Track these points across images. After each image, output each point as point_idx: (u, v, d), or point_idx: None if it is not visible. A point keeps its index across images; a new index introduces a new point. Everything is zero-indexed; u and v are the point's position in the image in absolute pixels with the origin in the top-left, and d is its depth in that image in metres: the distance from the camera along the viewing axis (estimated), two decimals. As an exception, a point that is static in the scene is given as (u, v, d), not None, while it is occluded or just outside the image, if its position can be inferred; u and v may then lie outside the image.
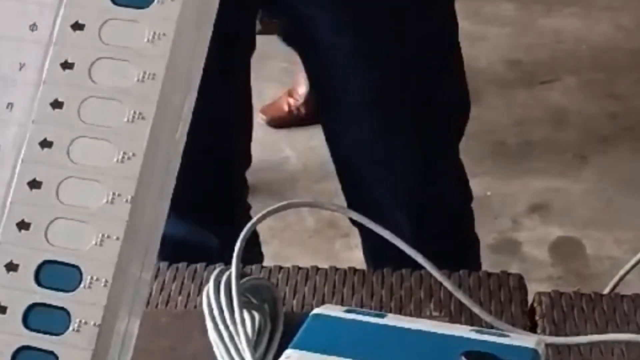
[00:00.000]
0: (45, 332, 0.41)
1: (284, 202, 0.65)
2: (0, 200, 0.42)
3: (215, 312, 0.59)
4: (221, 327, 0.58)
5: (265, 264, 0.76)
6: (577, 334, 0.66)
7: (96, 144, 0.42)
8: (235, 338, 0.58)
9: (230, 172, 1.10)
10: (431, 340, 0.57)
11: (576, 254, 1.55)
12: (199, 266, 0.72)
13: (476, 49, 1.98)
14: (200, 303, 0.62)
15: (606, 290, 0.71)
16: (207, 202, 1.08)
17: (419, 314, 0.68)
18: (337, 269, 0.73)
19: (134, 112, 0.42)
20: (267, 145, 1.85)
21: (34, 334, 0.41)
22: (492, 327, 0.64)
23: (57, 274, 0.41)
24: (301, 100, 1.90)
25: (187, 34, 0.43)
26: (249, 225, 0.66)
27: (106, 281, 0.41)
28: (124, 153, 0.42)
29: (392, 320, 0.59)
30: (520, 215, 1.64)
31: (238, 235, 0.68)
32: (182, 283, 0.70)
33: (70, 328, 0.41)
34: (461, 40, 0.99)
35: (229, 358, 0.57)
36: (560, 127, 1.84)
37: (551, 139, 1.80)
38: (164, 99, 0.42)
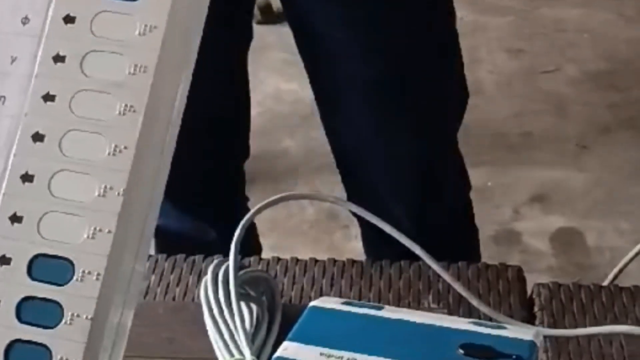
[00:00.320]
0: (38, 325, 0.41)
1: (282, 195, 0.65)
2: None
3: (213, 304, 0.59)
4: (219, 319, 0.58)
5: (264, 255, 0.76)
6: (576, 326, 0.66)
7: (88, 137, 0.42)
8: (233, 330, 0.58)
9: (228, 165, 1.09)
10: (429, 333, 0.57)
11: (577, 245, 1.55)
12: (198, 258, 0.72)
13: (477, 39, 1.98)
14: (199, 295, 0.62)
15: (606, 282, 0.71)
16: (206, 196, 1.08)
17: (417, 305, 0.68)
18: (335, 261, 0.72)
19: (126, 105, 0.42)
20: (268, 136, 1.85)
21: (26, 327, 0.41)
22: (490, 319, 0.64)
23: (49, 267, 0.41)
24: None
25: (178, 26, 0.43)
26: (246, 217, 0.65)
27: (98, 274, 0.41)
28: (116, 146, 0.42)
29: (390, 312, 0.58)
30: (520, 205, 1.64)
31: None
32: (181, 274, 0.70)
33: (63, 321, 0.41)
34: (461, 30, 0.99)
35: (227, 350, 0.57)
36: (561, 117, 1.84)
37: (552, 129, 1.80)
38: (155, 92, 0.42)
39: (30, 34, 0.43)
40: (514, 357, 0.55)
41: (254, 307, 0.62)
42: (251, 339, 0.58)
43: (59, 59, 0.43)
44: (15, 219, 0.42)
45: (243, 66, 1.05)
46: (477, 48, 1.95)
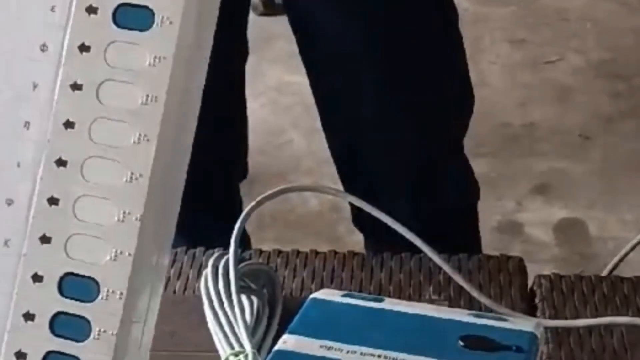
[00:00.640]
0: (69, 339, 0.44)
1: (281, 187, 0.65)
2: (23, 214, 0.45)
3: (213, 297, 0.59)
4: (219, 312, 0.59)
5: (265, 247, 0.76)
6: (577, 317, 0.66)
7: (107, 164, 0.44)
8: (233, 323, 0.58)
9: (226, 184, 1.08)
10: (429, 325, 0.57)
11: (580, 235, 1.55)
12: (198, 251, 0.72)
13: (479, 30, 1.97)
14: (199, 288, 0.62)
15: (605, 272, 0.71)
16: (201, 216, 1.06)
17: (418, 297, 0.68)
18: (336, 253, 0.72)
19: (139, 134, 0.44)
20: (271, 128, 1.85)
21: (60, 340, 0.44)
22: (491, 310, 0.64)
23: (77, 285, 0.44)
24: None
25: (186, 56, 0.44)
26: (247, 209, 0.66)
27: (121, 294, 0.44)
28: (132, 173, 0.44)
29: (390, 304, 0.59)
30: (523, 196, 1.64)
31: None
32: (181, 268, 0.70)
33: (91, 336, 0.44)
34: (464, 21, 0.99)
35: (227, 343, 0.58)
36: (564, 107, 1.83)
37: (555, 120, 1.80)
38: (167, 121, 0.44)
39: (49, 61, 0.45)
40: (514, 348, 0.55)
41: (254, 299, 0.62)
42: (251, 331, 0.58)
43: (76, 87, 0.44)
44: (45, 239, 0.45)
45: (241, 83, 1.04)
46: (480, 39, 1.95)
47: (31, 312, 0.45)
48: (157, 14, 0.44)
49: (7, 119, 0.45)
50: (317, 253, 0.73)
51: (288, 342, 0.54)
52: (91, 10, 0.44)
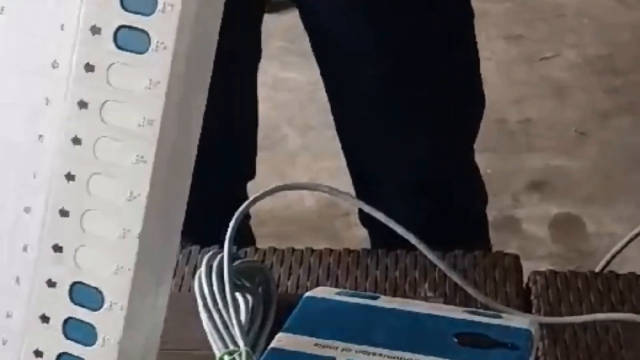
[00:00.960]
0: (79, 342, 0.47)
1: (274, 186, 0.64)
2: (39, 221, 0.47)
3: (208, 295, 0.59)
4: (213, 310, 0.58)
5: (262, 245, 0.76)
6: (572, 314, 0.66)
7: (109, 181, 0.46)
8: (228, 322, 0.58)
9: (233, 185, 1.07)
10: (424, 322, 0.57)
11: (576, 231, 1.55)
12: (193, 249, 0.71)
13: (476, 25, 1.97)
14: (194, 286, 0.62)
15: (598, 267, 0.71)
16: (207, 216, 1.05)
17: (413, 294, 0.68)
18: (331, 251, 0.72)
19: (137, 155, 0.45)
20: (266, 124, 1.84)
21: (70, 342, 0.47)
22: (486, 307, 0.64)
23: (86, 294, 0.47)
24: None
25: (182, 80, 0.45)
26: (242, 207, 0.65)
27: (122, 306, 0.46)
28: (131, 192, 0.45)
29: (385, 302, 0.58)
30: (520, 192, 1.64)
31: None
32: (176, 265, 0.70)
33: (97, 342, 0.46)
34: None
35: (222, 342, 0.57)
36: (560, 103, 1.83)
37: (552, 116, 1.80)
38: (163, 143, 0.45)
39: (59, 78, 0.46)
40: (509, 345, 0.55)
41: (249, 298, 0.62)
42: (246, 330, 0.58)
43: (83, 105, 0.46)
44: (57, 248, 0.47)
45: (252, 86, 1.03)
46: (477, 34, 1.94)
47: (47, 314, 0.47)
48: (152, 38, 0.44)
49: (24, 131, 0.48)
50: (312, 251, 0.72)
51: (283, 340, 0.54)
52: (95, 30, 0.46)
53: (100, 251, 0.46)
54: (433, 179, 1.01)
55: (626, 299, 0.67)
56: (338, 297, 0.58)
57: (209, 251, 0.66)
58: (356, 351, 0.54)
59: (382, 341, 0.55)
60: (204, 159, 1.00)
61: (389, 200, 1.00)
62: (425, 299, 0.67)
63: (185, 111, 0.46)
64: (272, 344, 0.54)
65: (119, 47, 0.45)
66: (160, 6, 0.44)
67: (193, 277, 0.67)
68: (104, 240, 0.46)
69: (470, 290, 0.64)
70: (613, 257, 0.71)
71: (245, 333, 0.58)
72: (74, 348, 0.47)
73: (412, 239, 0.64)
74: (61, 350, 0.47)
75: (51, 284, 0.47)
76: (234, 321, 0.58)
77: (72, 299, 0.47)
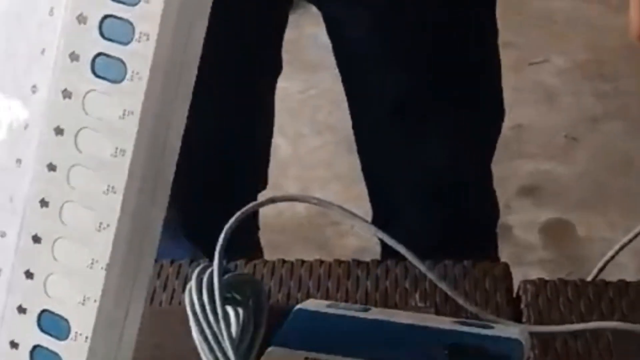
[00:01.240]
0: None
1: (266, 198, 0.65)
2: (13, 246, 0.47)
3: (198, 309, 0.59)
4: (204, 324, 0.58)
5: (250, 258, 0.76)
6: (563, 322, 0.66)
7: (81, 210, 0.46)
8: (218, 335, 0.58)
9: (244, 196, 1.06)
10: (415, 334, 0.57)
11: (568, 237, 1.55)
12: (183, 263, 0.72)
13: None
14: (184, 300, 0.62)
15: (590, 277, 0.71)
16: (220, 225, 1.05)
17: (404, 305, 0.68)
18: (322, 262, 0.72)
19: (108, 185, 0.45)
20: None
21: None
22: (477, 317, 0.64)
23: (53, 322, 0.47)
24: None
25: (156, 111, 0.45)
26: (233, 218, 0.65)
27: (87, 337, 0.46)
28: (101, 223, 0.45)
29: (376, 313, 0.59)
30: (511, 198, 1.64)
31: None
32: (167, 280, 0.70)
33: None
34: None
35: (212, 356, 0.57)
36: (551, 108, 1.84)
37: (542, 121, 1.80)
38: (134, 174, 0.45)
39: (38, 102, 0.47)
40: (500, 356, 0.55)
41: (240, 311, 0.62)
42: (237, 343, 0.58)
43: (59, 131, 0.46)
44: (28, 274, 0.47)
45: (272, 100, 1.02)
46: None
47: (15, 341, 0.47)
48: (128, 67, 0.44)
49: (3, 154, 0.48)
50: (303, 262, 0.73)
51: (273, 353, 0.54)
52: (73, 56, 0.46)
53: (69, 280, 0.46)
54: (450, 186, 1.00)
55: (616, 307, 0.68)
56: (328, 310, 0.59)
57: (199, 265, 0.66)
58: (347, 364, 0.54)
59: (373, 353, 0.55)
60: (223, 172, 0.99)
61: (404, 207, 0.99)
62: (416, 309, 0.67)
63: (159, 142, 0.46)
64: (263, 357, 0.54)
65: (96, 74, 0.45)
66: (136, 35, 0.44)
67: (183, 291, 0.67)
68: (73, 270, 0.46)
69: (460, 301, 0.65)
70: (605, 264, 0.72)
71: (236, 346, 0.58)
72: None
73: (402, 249, 0.64)
74: None
75: (21, 310, 0.47)
76: (225, 334, 0.58)
77: (40, 327, 0.47)
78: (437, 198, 1.00)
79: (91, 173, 0.45)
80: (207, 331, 0.58)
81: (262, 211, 1.27)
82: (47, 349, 0.46)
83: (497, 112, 1.00)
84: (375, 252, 1.00)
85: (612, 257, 0.72)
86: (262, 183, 1.08)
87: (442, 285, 0.66)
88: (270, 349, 0.55)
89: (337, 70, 0.97)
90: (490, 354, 0.55)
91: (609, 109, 1.82)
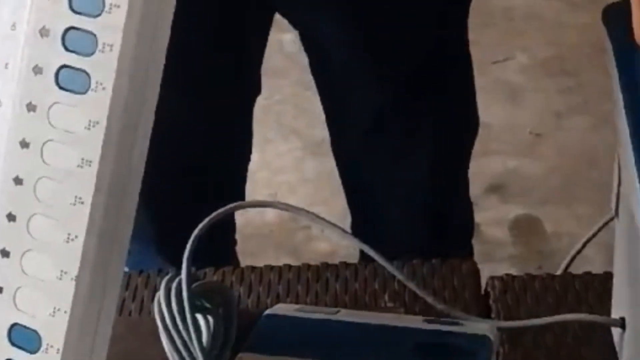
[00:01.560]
0: None
1: (232, 205, 0.65)
2: None
3: (167, 319, 0.59)
4: (173, 333, 0.58)
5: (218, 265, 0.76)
6: (531, 317, 0.66)
7: (49, 222, 0.46)
8: (189, 344, 0.58)
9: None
10: (384, 334, 0.57)
11: (536, 232, 1.56)
12: (152, 272, 0.71)
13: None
14: (153, 310, 0.62)
15: (559, 271, 0.72)
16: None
17: (374, 306, 0.68)
18: (290, 267, 0.73)
19: (75, 196, 0.45)
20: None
21: None
22: (446, 315, 0.64)
23: (24, 335, 0.46)
24: None
25: (121, 122, 0.45)
26: (199, 227, 0.65)
27: (58, 349, 0.46)
28: (69, 234, 0.45)
29: (345, 315, 0.59)
30: (479, 196, 1.65)
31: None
32: (136, 290, 0.70)
33: None
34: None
35: (184, 364, 0.57)
36: (515, 105, 1.85)
37: (507, 118, 1.81)
38: (100, 184, 0.45)
39: (3, 116, 0.46)
40: (469, 352, 0.56)
41: (210, 318, 0.62)
42: (207, 351, 0.58)
43: (24, 144, 0.46)
44: None
45: (248, 120, 1.02)
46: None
47: None
48: (92, 78, 0.44)
49: None
50: (271, 267, 0.73)
51: (243, 359, 0.54)
52: (37, 70, 0.46)
53: (38, 293, 0.46)
54: (430, 196, 1.01)
55: (583, 299, 0.68)
56: (298, 314, 0.59)
57: (167, 274, 0.66)
58: (317, 367, 0.54)
59: (342, 355, 0.55)
60: (196, 192, 0.98)
61: (385, 217, 1.00)
62: (386, 310, 0.67)
63: (125, 152, 0.46)
64: (234, 364, 0.54)
65: (60, 87, 0.45)
66: (100, 46, 0.44)
67: (153, 300, 0.67)
68: (43, 282, 0.46)
69: (429, 299, 0.65)
70: (572, 259, 0.72)
71: (206, 354, 0.58)
72: None
73: (369, 250, 0.65)
74: None
75: None
76: (195, 343, 0.58)
77: (10, 341, 0.47)
78: (418, 208, 1.01)
79: (58, 185, 0.45)
80: (177, 340, 0.58)
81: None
82: None
83: (472, 121, 1.01)
84: (348, 255, 1.00)
85: (579, 252, 0.73)
86: (241, 198, 1.08)
87: (411, 285, 0.66)
88: (240, 355, 0.55)
89: (300, 76, 0.97)
90: (459, 351, 0.55)
91: (572, 104, 1.84)
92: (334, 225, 0.67)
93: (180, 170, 0.95)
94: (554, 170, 1.70)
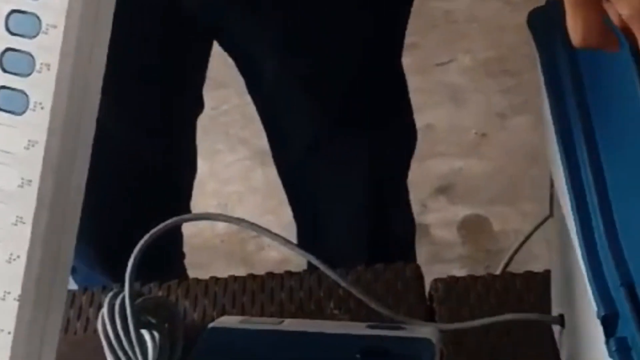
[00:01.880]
0: None
1: (174, 219, 0.65)
2: None
3: (112, 335, 0.59)
4: (118, 351, 0.58)
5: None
6: (474, 318, 0.67)
7: None
8: (134, 360, 0.58)
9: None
10: (328, 342, 0.58)
11: (484, 231, 1.58)
12: (96, 290, 0.71)
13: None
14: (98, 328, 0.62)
15: (499, 270, 0.73)
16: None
17: (319, 314, 0.69)
18: (236, 278, 0.73)
19: (17, 216, 0.45)
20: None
21: None
22: (390, 319, 0.65)
23: None
24: None
25: (60, 141, 0.45)
26: (140, 243, 0.65)
27: (9, 332, 0.46)
28: (11, 254, 0.45)
29: (289, 325, 0.59)
30: (427, 198, 1.66)
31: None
32: (80, 308, 0.70)
33: None
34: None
35: (129, 381, 0.57)
36: (458, 107, 1.87)
37: (451, 120, 1.83)
38: (41, 203, 0.45)
39: None
40: (411, 356, 0.56)
41: (155, 334, 0.62)
42: (153, 366, 0.58)
43: None
44: None
45: (191, 134, 1.02)
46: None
47: None
48: (30, 98, 0.44)
49: None
50: (217, 279, 0.73)
51: (189, 374, 0.55)
52: None
53: None
54: (372, 208, 1.02)
55: (524, 299, 0.69)
56: (242, 325, 0.59)
57: (111, 290, 0.66)
58: (262, 377, 0.54)
59: (287, 365, 0.55)
60: (145, 203, 0.98)
61: (329, 229, 1.01)
62: (332, 317, 0.68)
63: (65, 171, 0.46)
64: (179, 379, 0.55)
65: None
66: (37, 67, 0.44)
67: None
68: None
69: (373, 305, 0.66)
70: (510, 259, 0.74)
71: (152, 370, 0.58)
72: None
73: (312, 259, 0.65)
74: None
75: None
76: (140, 359, 0.58)
77: None
78: (359, 220, 1.02)
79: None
80: (122, 357, 0.58)
81: (182, 230, 1.27)
82: None
83: (410, 133, 1.02)
84: (300, 264, 1.01)
85: (516, 251, 0.74)
86: (187, 211, 1.08)
87: (355, 291, 0.67)
88: (185, 369, 0.55)
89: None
90: (402, 355, 0.56)
91: (514, 104, 1.86)
92: (277, 235, 0.68)
93: (123, 189, 0.95)
94: (499, 169, 1.72)
